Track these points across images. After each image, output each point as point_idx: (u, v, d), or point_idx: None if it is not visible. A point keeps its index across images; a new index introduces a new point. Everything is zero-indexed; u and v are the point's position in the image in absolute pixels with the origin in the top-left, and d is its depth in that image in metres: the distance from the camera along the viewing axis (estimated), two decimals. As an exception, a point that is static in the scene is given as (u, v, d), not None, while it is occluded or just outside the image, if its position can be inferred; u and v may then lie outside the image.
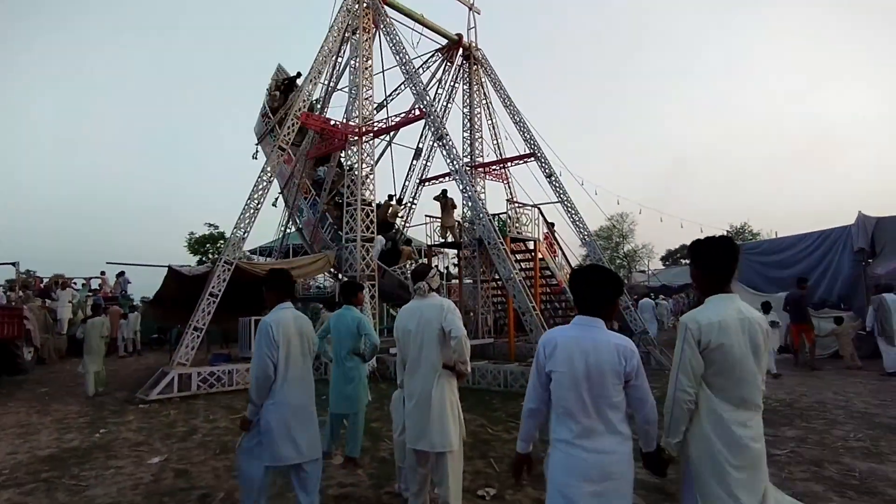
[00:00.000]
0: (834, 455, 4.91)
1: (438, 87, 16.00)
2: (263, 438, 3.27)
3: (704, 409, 2.22)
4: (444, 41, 15.41)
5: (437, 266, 5.13)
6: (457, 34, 15.37)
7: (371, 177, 12.46)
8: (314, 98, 13.97)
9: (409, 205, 16.63)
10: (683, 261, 41.77)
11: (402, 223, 16.43)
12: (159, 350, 16.80)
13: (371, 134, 12.77)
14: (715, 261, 2.36)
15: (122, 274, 19.46)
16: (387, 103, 15.46)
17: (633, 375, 2.18)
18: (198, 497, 4.18)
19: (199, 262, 26.31)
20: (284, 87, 17.18)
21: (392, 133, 14.62)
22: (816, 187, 68.10)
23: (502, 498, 4.05)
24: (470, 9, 15.97)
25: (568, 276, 16.39)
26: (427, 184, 16.68)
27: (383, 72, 14.17)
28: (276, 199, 15.93)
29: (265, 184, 10.80)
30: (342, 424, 5.16)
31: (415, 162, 16.73)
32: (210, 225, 28.53)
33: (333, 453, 5.12)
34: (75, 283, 17.86)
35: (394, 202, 15.53)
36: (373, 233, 12.05)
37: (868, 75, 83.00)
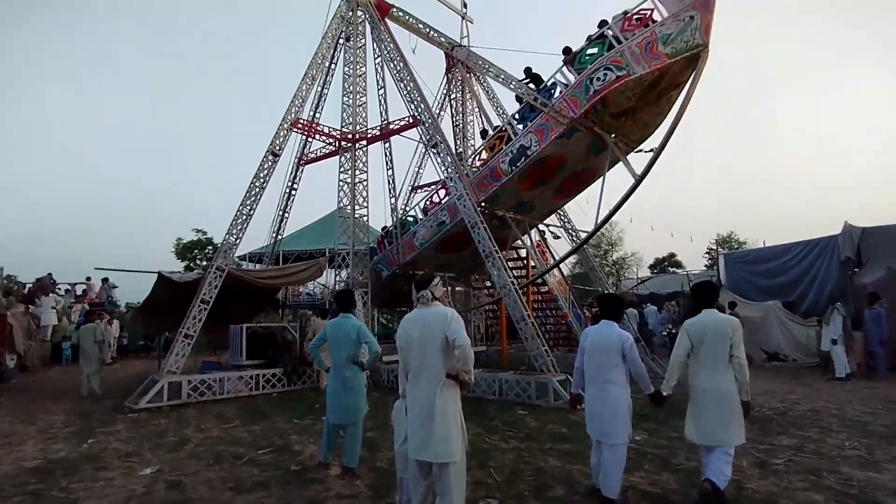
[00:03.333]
0: (832, 464, 4.94)
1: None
2: None
3: (691, 368, 4.18)
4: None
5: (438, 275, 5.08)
6: (449, 43, 15.43)
7: (364, 183, 12.42)
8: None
9: (402, 211, 16.60)
10: (671, 269, 42.17)
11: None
12: (146, 357, 16.51)
13: (364, 141, 12.75)
14: (700, 295, 4.33)
15: (106, 280, 19.17)
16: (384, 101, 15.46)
17: (627, 350, 4.12)
18: (193, 510, 4.07)
19: (187, 269, 26.00)
20: None
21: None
22: (803, 195, 69.11)
23: (504, 509, 4.01)
24: (463, 18, 16.09)
25: (559, 283, 16.44)
26: (420, 191, 16.66)
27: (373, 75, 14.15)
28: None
29: (258, 190, 10.70)
30: (339, 434, 5.07)
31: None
32: (198, 231, 28.24)
33: (331, 463, 5.05)
34: (59, 289, 17.53)
35: None
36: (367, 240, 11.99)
37: (854, 86, 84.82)
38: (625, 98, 9.24)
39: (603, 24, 9.63)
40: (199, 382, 9.06)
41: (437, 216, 11.87)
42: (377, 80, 13.80)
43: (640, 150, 10.20)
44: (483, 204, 10.75)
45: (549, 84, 10.48)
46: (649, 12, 9.03)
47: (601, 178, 10.31)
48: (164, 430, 6.86)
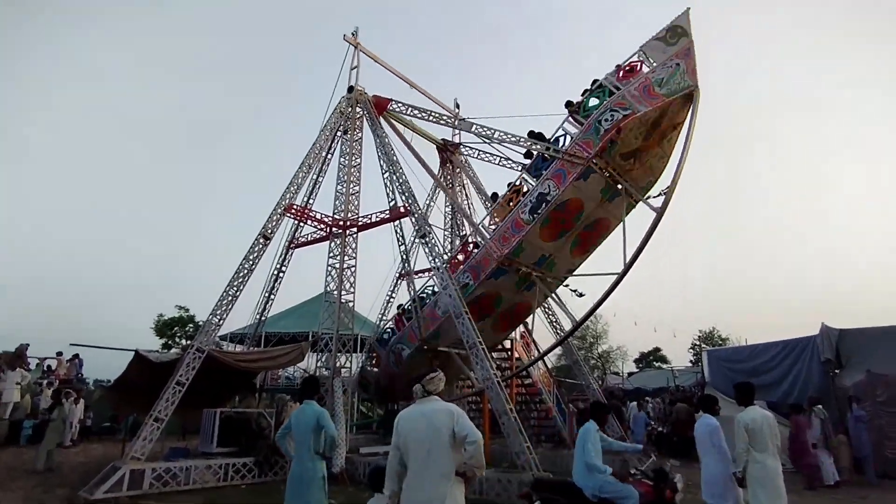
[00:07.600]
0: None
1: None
2: None
3: (751, 454, 5.38)
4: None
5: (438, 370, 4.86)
6: (442, 139, 16.43)
7: (352, 269, 12.61)
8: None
9: (387, 299, 16.68)
10: (656, 364, 41.84)
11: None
12: (110, 440, 15.57)
13: (355, 228, 13.13)
14: (741, 394, 5.84)
15: (75, 356, 18.63)
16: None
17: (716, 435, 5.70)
18: None
19: (165, 346, 25.34)
20: None
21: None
22: (781, 293, 70.54)
23: None
24: (455, 118, 17.23)
25: (544, 376, 16.23)
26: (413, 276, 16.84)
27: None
28: None
29: (246, 272, 10.82)
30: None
31: (402, 248, 16.76)
32: (180, 307, 27.85)
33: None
34: (28, 364, 16.84)
35: None
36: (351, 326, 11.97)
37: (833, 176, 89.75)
38: (632, 137, 10.12)
39: (595, 83, 10.86)
40: (164, 471, 8.58)
41: (459, 279, 11.67)
42: (380, 166, 14.30)
43: (650, 197, 10.95)
44: (506, 262, 10.99)
45: (555, 137, 11.26)
46: (638, 64, 10.43)
47: (619, 226, 11.03)
48: (121, 525, 6.41)
